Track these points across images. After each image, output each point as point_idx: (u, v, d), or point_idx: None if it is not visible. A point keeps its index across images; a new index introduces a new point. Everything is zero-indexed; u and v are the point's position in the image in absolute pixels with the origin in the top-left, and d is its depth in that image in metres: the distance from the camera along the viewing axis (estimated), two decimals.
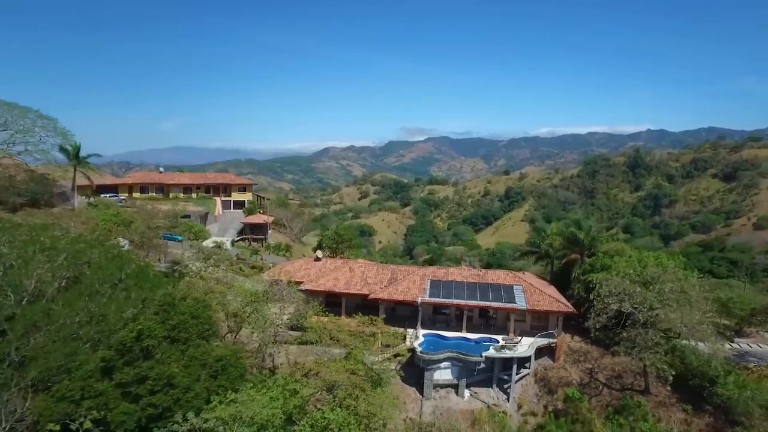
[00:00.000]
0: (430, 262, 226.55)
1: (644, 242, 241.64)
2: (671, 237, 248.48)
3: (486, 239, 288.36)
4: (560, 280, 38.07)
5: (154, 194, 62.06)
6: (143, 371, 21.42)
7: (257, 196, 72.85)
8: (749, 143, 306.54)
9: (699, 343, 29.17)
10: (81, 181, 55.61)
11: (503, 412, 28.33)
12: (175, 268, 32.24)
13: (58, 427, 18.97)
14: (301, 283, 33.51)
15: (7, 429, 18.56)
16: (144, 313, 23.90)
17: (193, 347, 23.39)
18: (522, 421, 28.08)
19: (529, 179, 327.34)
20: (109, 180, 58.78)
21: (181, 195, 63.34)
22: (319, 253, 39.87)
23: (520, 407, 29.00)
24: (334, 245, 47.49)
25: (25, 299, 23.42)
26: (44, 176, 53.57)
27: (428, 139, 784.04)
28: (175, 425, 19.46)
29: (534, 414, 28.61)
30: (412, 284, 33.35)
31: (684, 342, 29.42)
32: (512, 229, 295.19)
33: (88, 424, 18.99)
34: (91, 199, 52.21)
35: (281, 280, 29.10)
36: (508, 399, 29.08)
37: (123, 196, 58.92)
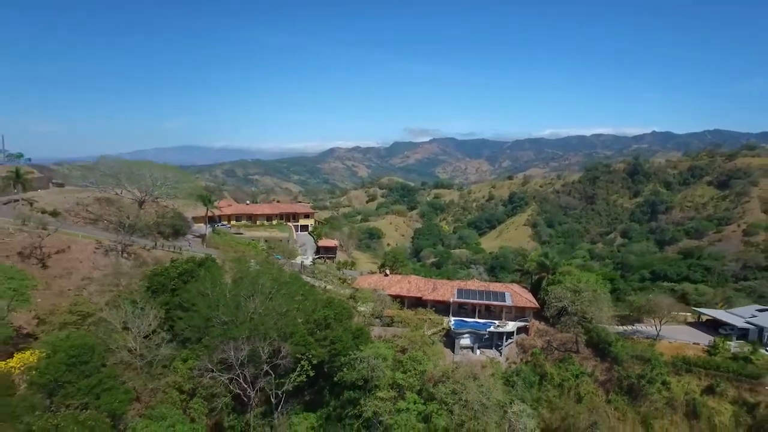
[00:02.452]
0: (437, 265, 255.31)
1: (640, 247, 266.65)
2: (666, 242, 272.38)
3: (490, 242, 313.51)
4: (534, 288, 63.65)
5: (245, 222, 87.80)
6: (327, 334, 47.26)
7: (316, 221, 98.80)
8: (744, 151, 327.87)
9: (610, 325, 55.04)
10: (195, 212, 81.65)
11: (498, 361, 54.12)
12: (307, 281, 57.92)
13: (299, 356, 44.86)
14: (379, 289, 59.17)
15: (282, 363, 44.08)
16: (317, 307, 49.52)
17: (345, 323, 49.19)
18: (507, 366, 53.85)
19: (532, 184, 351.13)
20: (215, 212, 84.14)
21: (266, 222, 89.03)
22: (387, 271, 65.85)
23: (507, 359, 54.78)
24: (392, 263, 73.31)
25: (259, 299, 49.01)
26: (179, 212, 79.38)
27: (433, 140, 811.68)
28: (350, 356, 45.27)
29: (514, 363, 54.37)
30: (447, 291, 59.17)
31: (600, 325, 55.04)
32: (515, 233, 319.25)
33: (310, 356, 44.91)
34: (214, 229, 77.84)
35: (376, 289, 55.00)
36: (501, 355, 54.84)
37: (227, 224, 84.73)
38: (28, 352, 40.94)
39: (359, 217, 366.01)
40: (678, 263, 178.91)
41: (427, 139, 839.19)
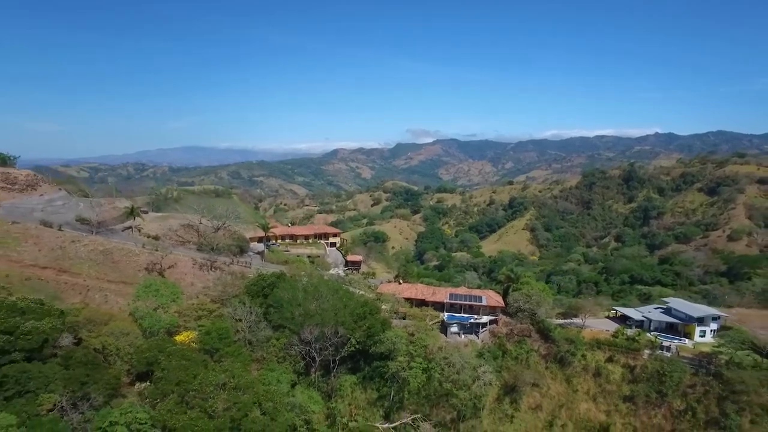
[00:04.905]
0: (439, 268, 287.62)
1: (632, 251, 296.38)
2: (656, 246, 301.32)
3: (490, 246, 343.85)
4: (504, 293, 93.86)
5: (289, 241, 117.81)
6: (364, 323, 77.72)
7: (342, 239, 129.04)
8: (734, 159, 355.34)
9: (551, 319, 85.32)
10: (253, 233, 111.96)
11: (476, 342, 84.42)
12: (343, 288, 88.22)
13: (348, 336, 75.51)
14: (395, 293, 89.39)
15: (335, 341, 74.21)
16: (357, 305, 79.58)
17: (375, 316, 79.52)
18: (482, 345, 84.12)
19: (531, 189, 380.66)
20: (262, 233, 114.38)
21: (305, 241, 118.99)
22: (400, 280, 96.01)
23: (482, 341, 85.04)
24: (403, 275, 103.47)
25: (321, 300, 79.18)
26: (242, 234, 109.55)
27: (436, 141, 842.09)
28: (379, 336, 75.69)
29: (487, 343, 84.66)
30: (442, 295, 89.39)
31: (545, 318, 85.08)
32: (514, 237, 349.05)
33: (355, 336, 75.47)
34: (268, 247, 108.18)
35: (394, 293, 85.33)
36: (478, 338, 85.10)
37: (275, 242, 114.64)
38: (186, 333, 71.20)
39: (365, 221, 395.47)
40: (653, 268, 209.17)
41: (428, 140, 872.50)
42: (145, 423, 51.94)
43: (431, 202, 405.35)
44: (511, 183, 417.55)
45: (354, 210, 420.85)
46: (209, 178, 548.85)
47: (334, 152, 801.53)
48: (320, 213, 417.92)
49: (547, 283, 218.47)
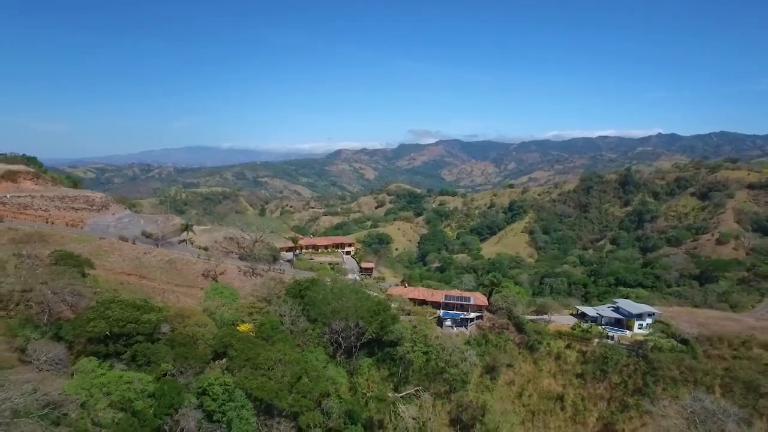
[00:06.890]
0: (441, 270, 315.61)
1: (625, 254, 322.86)
2: (649, 249, 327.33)
3: (490, 248, 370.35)
4: (489, 294, 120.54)
5: (311, 250, 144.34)
6: (378, 317, 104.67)
7: (356, 248, 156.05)
8: (726, 164, 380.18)
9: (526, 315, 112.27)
10: (282, 244, 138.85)
11: (465, 333, 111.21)
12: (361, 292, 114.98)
13: (366, 327, 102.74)
14: (401, 294, 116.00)
15: (356, 331, 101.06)
16: (372, 304, 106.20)
17: (386, 312, 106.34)
18: (470, 335, 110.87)
19: (530, 193, 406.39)
20: (290, 244, 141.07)
21: (325, 250, 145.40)
22: (406, 284, 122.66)
23: (470, 333, 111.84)
24: (408, 280, 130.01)
25: (345, 299, 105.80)
26: (274, 246, 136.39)
27: (439, 141, 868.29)
28: (390, 328, 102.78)
29: (473, 334, 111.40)
30: (439, 296, 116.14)
31: (520, 315, 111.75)
32: (513, 239, 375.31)
33: (372, 327, 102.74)
34: (297, 256, 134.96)
35: (401, 295, 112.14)
36: (467, 330, 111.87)
37: (299, 251, 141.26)
38: (244, 325, 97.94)
39: (369, 223, 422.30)
40: (637, 271, 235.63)
41: (431, 140, 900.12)
42: (231, 385, 78.85)
43: (433, 205, 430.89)
44: (511, 186, 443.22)
45: (358, 212, 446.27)
46: (214, 179, 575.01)
47: (338, 153, 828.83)
48: (325, 215, 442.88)
49: (540, 284, 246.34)
